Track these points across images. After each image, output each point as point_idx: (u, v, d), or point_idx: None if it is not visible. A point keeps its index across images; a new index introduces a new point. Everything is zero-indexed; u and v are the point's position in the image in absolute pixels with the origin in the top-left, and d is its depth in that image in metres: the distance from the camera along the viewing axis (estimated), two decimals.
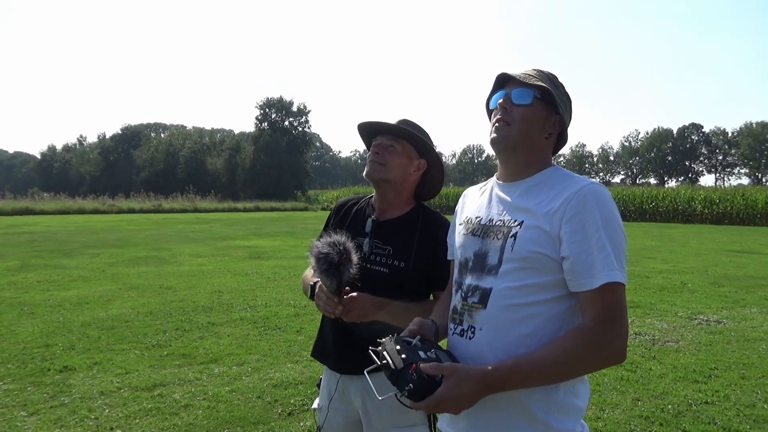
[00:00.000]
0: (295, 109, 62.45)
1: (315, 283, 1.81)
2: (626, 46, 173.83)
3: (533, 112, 1.48)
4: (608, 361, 1.34)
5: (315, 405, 2.05)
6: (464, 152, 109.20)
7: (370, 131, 2.01)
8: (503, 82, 1.55)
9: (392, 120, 2.01)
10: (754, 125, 78.68)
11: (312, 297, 1.83)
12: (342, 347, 1.92)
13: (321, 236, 1.96)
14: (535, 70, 1.55)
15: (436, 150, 2.03)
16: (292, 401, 4.13)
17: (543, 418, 1.35)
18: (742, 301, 7.96)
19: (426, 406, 1.29)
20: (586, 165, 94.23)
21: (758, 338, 5.92)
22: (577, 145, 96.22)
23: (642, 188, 38.43)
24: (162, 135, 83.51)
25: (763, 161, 76.69)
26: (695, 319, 6.82)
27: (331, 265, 1.65)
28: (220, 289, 8.55)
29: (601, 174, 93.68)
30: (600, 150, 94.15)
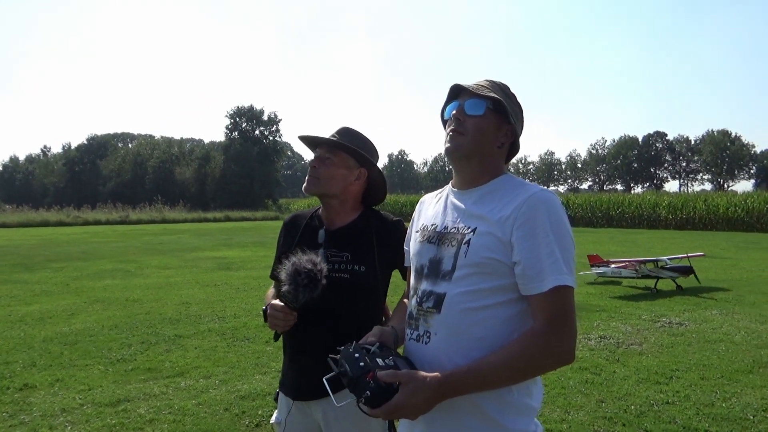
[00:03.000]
0: (266, 118, 62.01)
1: (267, 306, 1.83)
2: (592, 56, 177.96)
3: (486, 122, 1.52)
4: (558, 362, 1.38)
5: (273, 419, 2.04)
6: (436, 160, 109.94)
7: (310, 144, 2.04)
8: (457, 92, 1.59)
9: (335, 128, 2.04)
10: (715, 133, 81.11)
11: (266, 319, 1.83)
12: (300, 377, 1.93)
13: (279, 255, 1.98)
14: (487, 80, 1.59)
15: (378, 156, 2.06)
16: (260, 412, 4.09)
17: (497, 418, 1.38)
18: (703, 303, 8.20)
19: (383, 412, 1.32)
20: (555, 172, 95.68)
21: (718, 339, 6.10)
22: (546, 153, 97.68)
23: (609, 195, 39.33)
24: (129, 145, 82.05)
25: (725, 168, 79.12)
26: (658, 321, 6.99)
27: (311, 280, 1.70)
28: (188, 301, 8.43)
29: (569, 181, 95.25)
30: (568, 157, 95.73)
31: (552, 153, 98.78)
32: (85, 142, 75.62)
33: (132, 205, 44.82)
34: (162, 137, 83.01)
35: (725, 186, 76.97)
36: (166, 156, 66.81)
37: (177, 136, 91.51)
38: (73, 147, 75.31)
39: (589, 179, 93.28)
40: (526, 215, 1.39)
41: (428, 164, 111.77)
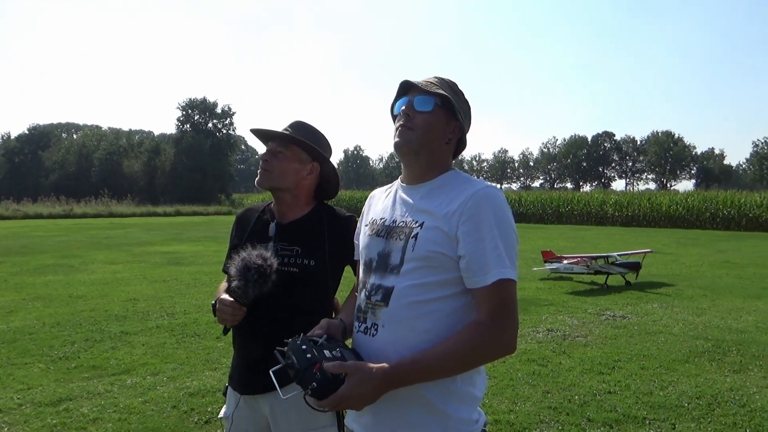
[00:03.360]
0: (219, 110, 60.65)
1: (216, 300, 1.83)
2: (545, 56, 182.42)
3: (434, 118, 1.54)
4: (500, 352, 1.43)
5: (221, 414, 2.02)
6: (391, 156, 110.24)
7: (263, 137, 2.03)
8: (406, 89, 1.61)
9: (289, 122, 2.03)
10: (659, 134, 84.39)
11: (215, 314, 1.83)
12: (247, 372, 1.92)
13: (231, 249, 1.97)
14: (436, 77, 1.61)
15: (331, 151, 2.06)
16: (209, 409, 4.03)
17: (441, 407, 1.42)
18: (645, 297, 8.55)
19: (329, 404, 1.33)
20: (508, 170, 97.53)
21: (658, 331, 6.38)
22: (500, 151, 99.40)
23: (559, 192, 40.40)
24: (74, 136, 78.80)
25: (668, 168, 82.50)
26: (603, 315, 7.25)
27: (260, 276, 1.70)
28: (136, 297, 8.20)
29: (522, 179, 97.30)
30: (521, 156, 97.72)
31: (506, 151, 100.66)
32: (26, 132, 72.16)
33: (76, 198, 42.96)
34: (109, 128, 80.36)
35: (668, 185, 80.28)
36: (114, 148, 64.38)
37: (125, 128, 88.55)
38: (12, 137, 71.81)
39: (541, 177, 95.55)
40: (472, 210, 1.42)
41: (384, 160, 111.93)
